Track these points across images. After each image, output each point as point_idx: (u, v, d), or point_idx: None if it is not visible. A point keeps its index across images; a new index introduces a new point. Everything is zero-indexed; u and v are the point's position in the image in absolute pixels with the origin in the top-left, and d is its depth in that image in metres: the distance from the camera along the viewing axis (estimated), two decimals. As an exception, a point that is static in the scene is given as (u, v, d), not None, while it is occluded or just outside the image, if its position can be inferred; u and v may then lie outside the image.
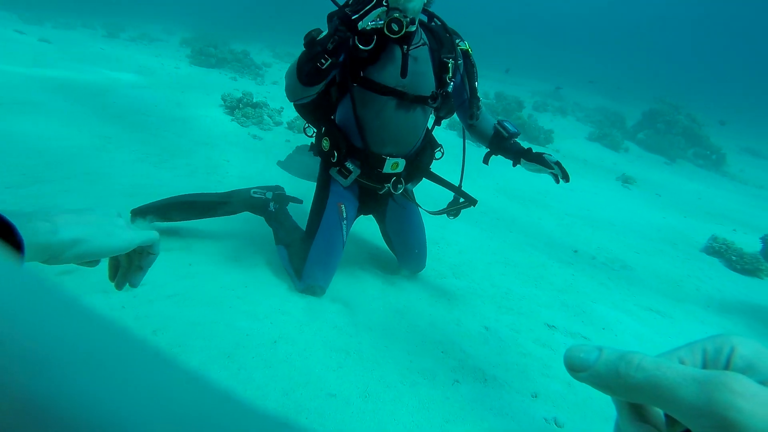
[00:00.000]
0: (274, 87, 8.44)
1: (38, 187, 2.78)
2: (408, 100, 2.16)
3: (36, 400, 0.14)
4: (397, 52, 2.10)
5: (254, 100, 5.89)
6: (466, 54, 2.30)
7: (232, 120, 5.55)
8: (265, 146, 4.90)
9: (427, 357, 2.09)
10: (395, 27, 1.91)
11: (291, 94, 2.10)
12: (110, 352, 0.17)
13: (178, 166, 3.74)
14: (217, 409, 0.17)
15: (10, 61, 5.84)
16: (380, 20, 1.92)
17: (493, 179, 5.32)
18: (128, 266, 0.82)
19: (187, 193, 2.68)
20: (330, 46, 1.86)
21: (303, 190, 3.26)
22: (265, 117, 5.78)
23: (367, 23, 1.92)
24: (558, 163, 2.25)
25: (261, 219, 2.82)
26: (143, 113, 4.95)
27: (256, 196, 2.80)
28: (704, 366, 0.36)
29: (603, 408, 1.95)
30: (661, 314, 2.96)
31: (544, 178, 5.94)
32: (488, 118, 2.47)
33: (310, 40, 1.91)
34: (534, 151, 2.33)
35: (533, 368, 2.15)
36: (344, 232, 2.39)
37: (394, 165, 2.28)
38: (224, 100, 5.89)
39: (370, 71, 2.12)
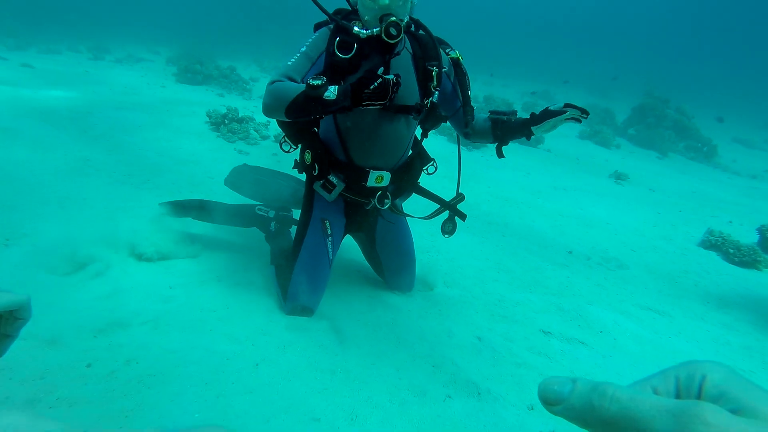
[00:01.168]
0: (261, 101, 8.39)
1: (8, 216, 2.69)
2: (391, 110, 2.07)
3: None
4: (378, 61, 2.01)
5: (240, 115, 5.83)
6: (456, 62, 2.21)
7: (218, 136, 5.48)
8: (252, 161, 4.81)
9: (417, 372, 2.00)
10: (393, 31, 1.84)
11: (269, 113, 2.01)
12: None
13: (161, 185, 3.66)
14: None
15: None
16: (375, 28, 1.86)
17: (485, 183, 5.25)
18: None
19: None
20: (330, 110, 1.84)
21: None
22: (252, 131, 5.72)
23: (361, 31, 1.87)
24: (569, 105, 2.02)
25: (260, 237, 2.79)
26: (126, 134, 4.87)
27: (259, 213, 2.80)
28: (677, 394, 0.36)
29: (603, 417, 1.86)
30: (660, 313, 2.87)
31: (535, 179, 5.87)
32: (480, 115, 2.35)
33: (316, 97, 1.80)
34: (537, 113, 2.13)
35: (529, 378, 2.06)
36: (329, 249, 2.29)
37: (378, 178, 2.18)
38: (209, 117, 5.82)
39: (350, 81, 2.01)
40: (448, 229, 2.42)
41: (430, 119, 2.18)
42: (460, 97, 2.26)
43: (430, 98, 2.09)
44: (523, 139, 2.23)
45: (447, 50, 2.23)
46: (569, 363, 2.21)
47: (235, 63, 10.92)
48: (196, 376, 1.76)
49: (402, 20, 1.86)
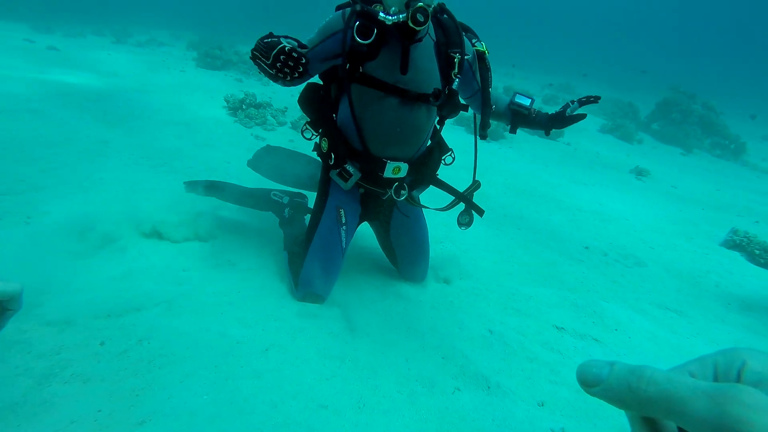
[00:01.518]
0: (280, 87, 8.39)
1: (32, 195, 2.74)
2: (410, 99, 2.00)
3: None
4: (398, 47, 1.94)
5: (257, 101, 5.83)
6: (481, 56, 2.14)
7: (235, 121, 5.50)
8: (268, 147, 4.83)
9: (426, 363, 1.98)
10: (421, 18, 1.79)
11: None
12: None
13: (177, 169, 3.69)
14: None
15: (15, 69, 5.87)
16: (401, 13, 1.79)
17: (501, 175, 5.18)
18: None
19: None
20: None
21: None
22: (269, 117, 5.72)
23: (387, 17, 1.80)
24: (584, 102, 2.17)
25: (274, 222, 2.81)
26: (145, 117, 4.92)
27: (274, 198, 2.82)
28: (715, 379, 0.37)
29: (614, 416, 1.82)
30: (678, 313, 2.80)
31: (553, 172, 5.77)
32: (501, 99, 2.35)
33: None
34: (556, 112, 2.25)
35: (540, 374, 2.03)
36: (343, 238, 2.26)
37: (395, 169, 2.12)
38: (227, 102, 5.84)
39: (369, 67, 1.96)
40: (465, 221, 2.37)
41: (447, 106, 2.10)
42: (479, 89, 2.19)
43: (450, 85, 2.03)
44: (542, 132, 2.26)
45: (473, 40, 2.16)
46: (582, 360, 2.15)
47: (255, 49, 10.91)
48: (206, 358, 1.77)
49: (429, 5, 1.80)
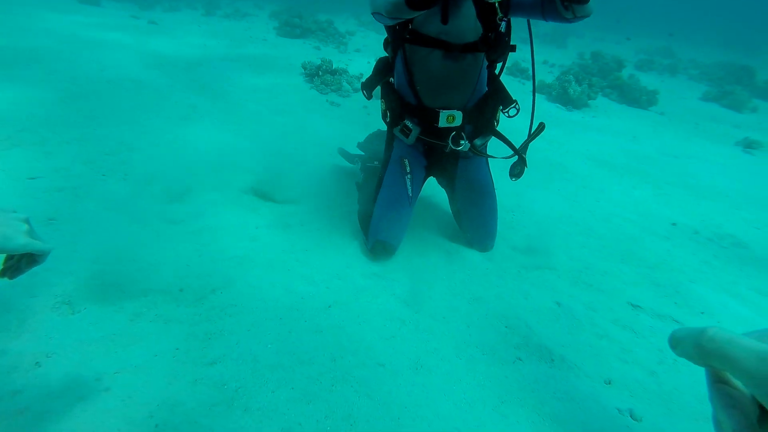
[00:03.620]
0: (357, 54, 8.39)
1: (128, 155, 3.00)
2: (456, 50, 2.02)
3: None
4: None
5: (334, 67, 5.89)
6: None
7: (311, 87, 5.60)
8: (343, 112, 4.89)
9: (488, 331, 1.95)
10: None
11: (387, 8, 1.80)
12: None
13: (255, 133, 3.85)
14: None
15: (121, 43, 6.38)
16: None
17: (582, 145, 4.85)
18: (16, 263, 1.00)
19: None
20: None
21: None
22: (344, 84, 5.77)
23: None
24: None
25: (347, 185, 2.98)
26: (228, 84, 5.16)
27: (352, 161, 3.15)
28: None
29: (692, 404, 1.69)
30: (782, 300, 2.50)
31: (642, 144, 5.28)
32: None
33: None
34: None
35: (609, 352, 1.92)
36: (408, 186, 2.34)
37: (449, 118, 2.17)
38: (304, 68, 5.96)
39: (417, 22, 2.03)
40: (516, 171, 2.31)
41: (494, 50, 2.08)
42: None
43: (496, 30, 2.01)
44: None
45: None
46: (658, 341, 2.02)
47: (334, 17, 10.99)
48: (272, 311, 1.87)
49: None
